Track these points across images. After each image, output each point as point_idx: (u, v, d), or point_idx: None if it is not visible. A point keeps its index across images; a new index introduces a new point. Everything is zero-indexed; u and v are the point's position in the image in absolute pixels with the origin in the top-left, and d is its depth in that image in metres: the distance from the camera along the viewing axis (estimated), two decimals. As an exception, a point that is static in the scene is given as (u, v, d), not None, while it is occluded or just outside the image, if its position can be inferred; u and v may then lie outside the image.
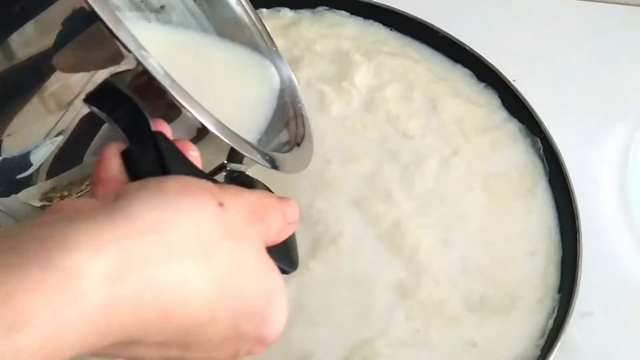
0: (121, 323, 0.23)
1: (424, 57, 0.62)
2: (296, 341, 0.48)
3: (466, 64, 0.61)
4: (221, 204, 0.27)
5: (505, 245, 0.53)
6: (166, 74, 0.31)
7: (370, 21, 0.64)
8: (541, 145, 0.56)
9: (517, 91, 0.58)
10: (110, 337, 0.23)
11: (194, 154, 0.31)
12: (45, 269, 0.21)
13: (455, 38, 0.61)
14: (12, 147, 0.35)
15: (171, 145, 0.30)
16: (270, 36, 0.52)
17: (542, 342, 0.48)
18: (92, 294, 0.22)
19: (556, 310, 0.50)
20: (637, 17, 0.67)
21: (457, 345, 0.49)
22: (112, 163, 0.29)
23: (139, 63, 0.30)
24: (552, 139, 0.55)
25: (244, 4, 0.51)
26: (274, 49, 0.52)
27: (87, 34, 0.31)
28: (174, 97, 0.31)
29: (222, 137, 0.34)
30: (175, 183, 0.26)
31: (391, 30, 0.63)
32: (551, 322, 0.49)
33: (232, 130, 0.35)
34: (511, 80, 0.59)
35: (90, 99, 0.31)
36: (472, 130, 0.58)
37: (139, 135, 0.29)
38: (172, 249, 0.24)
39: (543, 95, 0.60)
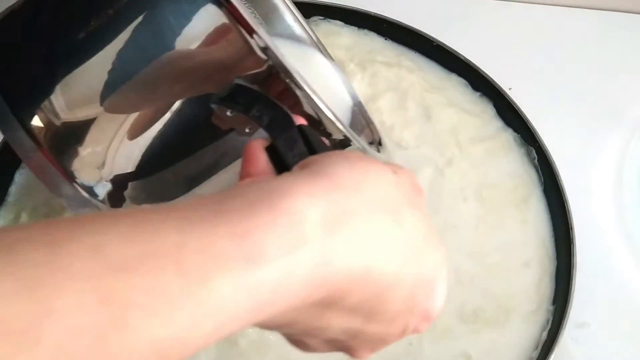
0: (332, 275, 0.23)
1: (419, 67, 0.62)
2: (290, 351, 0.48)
3: (461, 73, 0.61)
4: (394, 172, 0.27)
5: (499, 256, 0.52)
6: (300, 74, 0.32)
7: (365, 31, 0.64)
8: (536, 155, 0.56)
9: (512, 100, 0.58)
10: (320, 290, 0.23)
11: (327, 142, 0.33)
12: (273, 211, 0.22)
13: (449, 47, 0.61)
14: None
15: (317, 135, 0.31)
16: (328, 53, 0.54)
17: (535, 354, 0.48)
18: (315, 239, 0.22)
19: (550, 321, 0.49)
20: (632, 24, 0.67)
21: (451, 358, 0.48)
22: (260, 158, 0.29)
23: (272, 63, 0.32)
24: (546, 148, 0.55)
25: (301, 20, 0.53)
26: (337, 64, 0.54)
27: (221, 35, 0.33)
28: (308, 95, 0.32)
29: (348, 133, 0.34)
30: (352, 153, 0.27)
31: (386, 39, 0.63)
32: (545, 333, 0.49)
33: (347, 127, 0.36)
34: (507, 89, 0.59)
35: (223, 100, 0.33)
36: (466, 140, 0.58)
37: (283, 129, 0.30)
38: (371, 206, 0.25)
39: (538, 105, 0.60)
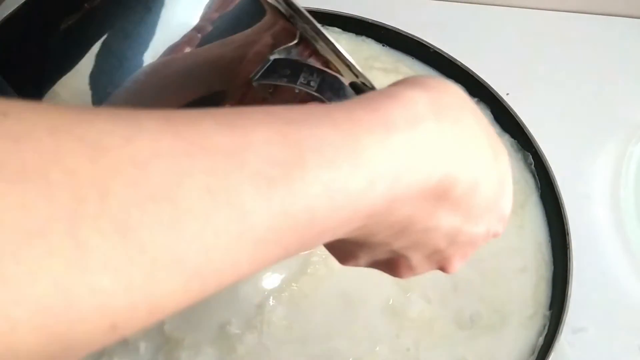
0: (445, 155, 0.25)
1: (416, 73, 0.62)
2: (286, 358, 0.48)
3: (458, 80, 0.61)
4: None
5: (495, 261, 0.53)
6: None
7: (363, 37, 0.64)
8: (532, 161, 0.56)
9: (509, 106, 0.58)
10: (437, 172, 0.25)
11: None
12: (392, 97, 0.25)
13: (446, 54, 0.61)
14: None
15: (368, 87, 0.32)
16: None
17: (532, 359, 0.48)
18: (428, 119, 0.25)
19: (547, 327, 0.50)
20: (629, 29, 0.67)
21: (448, 363, 0.49)
22: None
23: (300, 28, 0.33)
24: (543, 154, 0.55)
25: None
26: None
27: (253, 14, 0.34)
28: (345, 58, 0.33)
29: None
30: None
31: (383, 46, 0.64)
32: (541, 339, 0.49)
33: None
34: (504, 95, 0.59)
35: (266, 76, 0.33)
36: (464, 145, 0.58)
37: (336, 90, 0.32)
38: (458, 104, 0.27)
39: (536, 110, 0.60)
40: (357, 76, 0.33)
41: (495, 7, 0.69)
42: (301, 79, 0.32)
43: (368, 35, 0.64)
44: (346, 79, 0.32)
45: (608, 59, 0.65)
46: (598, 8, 0.67)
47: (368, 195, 0.23)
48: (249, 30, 0.34)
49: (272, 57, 0.33)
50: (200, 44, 0.34)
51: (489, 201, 0.29)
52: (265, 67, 0.33)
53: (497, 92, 0.59)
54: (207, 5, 0.34)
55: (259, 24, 0.34)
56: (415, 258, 0.30)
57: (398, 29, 0.63)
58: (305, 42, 0.33)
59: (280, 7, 0.33)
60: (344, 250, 0.31)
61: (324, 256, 0.52)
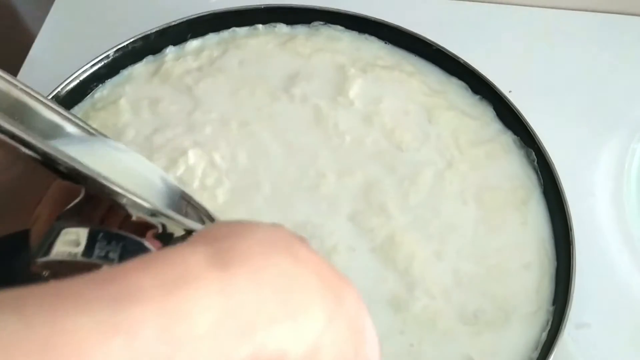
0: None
1: (419, 70, 0.62)
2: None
3: (460, 77, 0.61)
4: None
5: (499, 257, 0.53)
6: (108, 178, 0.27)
7: (366, 35, 0.64)
8: (535, 157, 0.56)
9: (511, 103, 0.58)
10: None
11: None
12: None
13: (449, 51, 0.61)
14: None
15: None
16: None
17: (535, 354, 0.48)
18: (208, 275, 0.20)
19: (550, 322, 0.50)
20: (631, 27, 0.67)
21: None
22: None
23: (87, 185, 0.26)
24: (545, 150, 0.55)
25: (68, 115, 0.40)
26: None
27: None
28: (133, 200, 0.27)
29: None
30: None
31: (386, 43, 0.64)
32: (545, 334, 0.49)
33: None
34: (507, 92, 0.59)
35: (49, 253, 0.26)
36: (466, 142, 0.58)
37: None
38: (262, 245, 0.22)
39: (538, 107, 0.60)
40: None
41: (498, 5, 0.69)
42: (96, 252, 0.26)
43: (370, 33, 0.64)
44: (151, 242, 0.27)
45: (611, 55, 0.65)
46: (600, 6, 0.68)
47: None
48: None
49: (56, 227, 0.26)
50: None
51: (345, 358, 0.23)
52: (50, 241, 0.26)
53: (499, 90, 0.59)
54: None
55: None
56: None
57: (400, 26, 0.63)
58: (96, 198, 0.26)
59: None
60: None
61: (328, 252, 0.52)
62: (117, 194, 0.26)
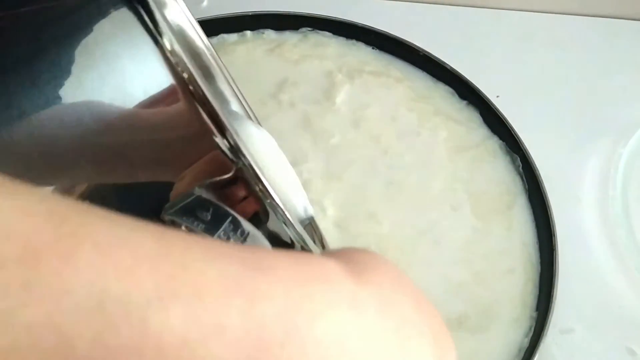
0: None
1: (406, 76, 0.63)
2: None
3: (447, 82, 0.62)
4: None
5: (484, 262, 0.53)
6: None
7: (353, 41, 0.65)
8: (520, 163, 0.57)
9: (497, 108, 0.58)
10: None
11: None
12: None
13: (435, 57, 0.61)
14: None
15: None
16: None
17: (518, 360, 0.49)
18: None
19: (533, 328, 0.50)
20: (618, 31, 0.67)
21: (435, 364, 0.49)
22: None
23: (244, 173, 0.27)
24: (530, 156, 0.56)
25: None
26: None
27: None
28: (276, 206, 0.27)
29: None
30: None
31: (373, 49, 0.64)
32: (527, 340, 0.49)
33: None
34: (494, 97, 0.59)
35: (180, 213, 0.27)
36: (453, 147, 0.59)
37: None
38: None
39: (525, 112, 0.60)
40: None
41: (485, 10, 0.69)
42: (220, 232, 0.26)
43: (358, 39, 0.64)
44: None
45: (597, 60, 0.65)
46: (587, 10, 0.68)
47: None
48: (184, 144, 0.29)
49: (196, 192, 0.27)
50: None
51: None
52: (184, 202, 0.26)
53: (486, 95, 0.59)
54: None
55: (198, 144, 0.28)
56: None
57: (387, 32, 0.63)
58: (242, 182, 0.27)
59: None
60: None
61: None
62: (271, 198, 0.26)
